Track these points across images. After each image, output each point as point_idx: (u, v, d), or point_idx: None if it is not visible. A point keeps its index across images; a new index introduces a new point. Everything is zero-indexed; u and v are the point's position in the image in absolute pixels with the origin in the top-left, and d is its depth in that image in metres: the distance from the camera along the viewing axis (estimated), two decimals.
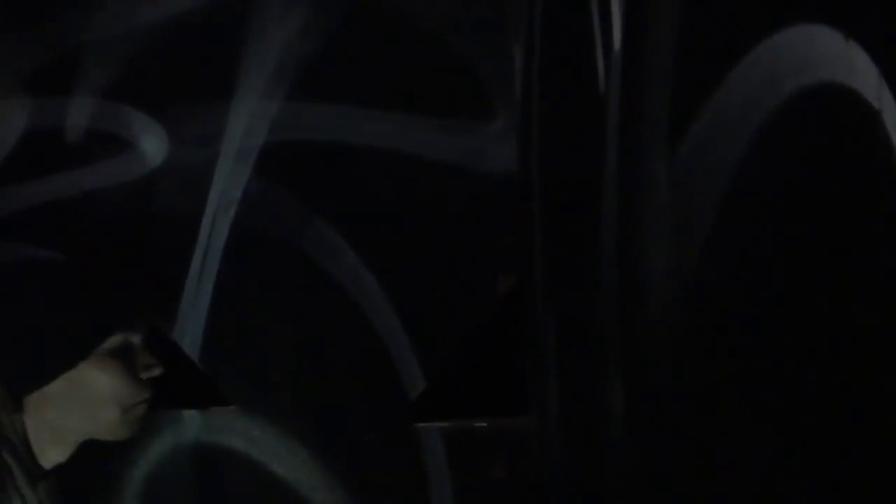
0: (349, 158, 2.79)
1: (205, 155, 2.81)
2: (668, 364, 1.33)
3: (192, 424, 2.81)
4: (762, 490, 1.16)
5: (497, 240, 2.68)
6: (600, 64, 1.57)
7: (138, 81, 2.80)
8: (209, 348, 2.79)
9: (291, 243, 2.80)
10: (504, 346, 2.25)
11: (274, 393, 2.79)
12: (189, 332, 2.80)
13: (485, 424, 2.51)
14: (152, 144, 2.82)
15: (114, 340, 2.04)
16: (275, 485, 2.79)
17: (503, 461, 2.70)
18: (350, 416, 2.78)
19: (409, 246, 2.78)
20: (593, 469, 1.53)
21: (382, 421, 2.73)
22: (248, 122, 2.80)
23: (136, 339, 2.06)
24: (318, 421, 2.78)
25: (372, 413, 2.76)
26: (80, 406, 2.07)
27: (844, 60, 1.09)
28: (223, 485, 2.82)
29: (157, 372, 2.08)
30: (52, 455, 2.10)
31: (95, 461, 2.80)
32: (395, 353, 2.77)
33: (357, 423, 2.77)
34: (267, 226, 2.81)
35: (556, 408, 1.73)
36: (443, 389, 2.38)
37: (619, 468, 1.43)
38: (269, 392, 2.79)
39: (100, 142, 2.81)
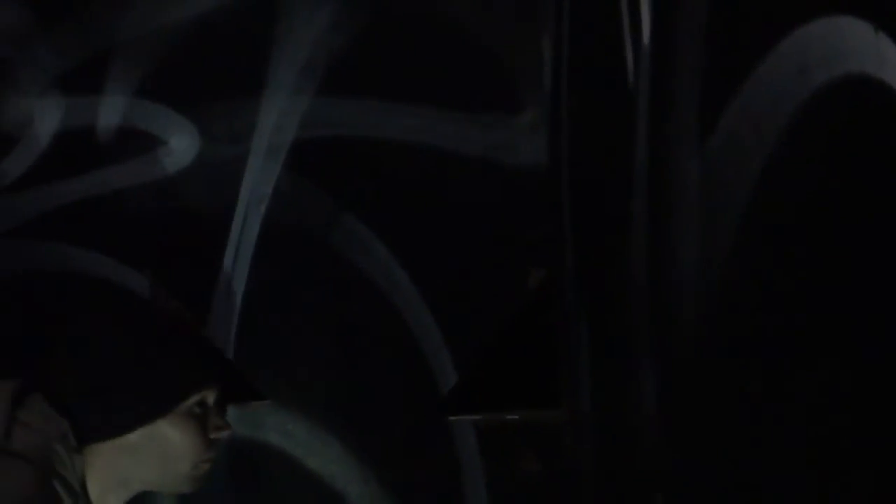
0: (379, 153, 2.80)
1: (235, 152, 2.83)
2: (699, 357, 1.33)
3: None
4: (793, 485, 1.16)
5: (527, 233, 2.69)
6: (629, 56, 1.57)
7: (169, 80, 2.82)
8: (242, 344, 2.81)
9: (322, 239, 2.81)
10: (535, 339, 2.25)
11: (307, 387, 2.80)
12: (222, 328, 2.81)
13: (517, 417, 2.51)
14: (183, 142, 2.83)
15: (192, 399, 2.10)
16: (309, 478, 2.80)
17: (535, 453, 2.70)
18: (383, 409, 2.79)
19: (439, 240, 2.78)
20: (625, 461, 1.53)
21: (415, 414, 2.74)
22: (278, 119, 2.81)
23: (210, 398, 2.12)
24: (351, 415, 2.79)
25: (405, 406, 2.77)
26: (154, 460, 2.12)
27: (874, 52, 1.09)
28: (258, 479, 2.83)
29: (226, 433, 2.15)
30: (111, 501, 2.14)
31: None
32: (426, 347, 2.77)
33: (390, 416, 2.78)
34: (298, 221, 2.82)
35: (588, 400, 1.74)
36: (474, 383, 2.39)
37: (651, 460, 1.43)
38: (302, 387, 2.80)
39: (131, 140, 2.83)
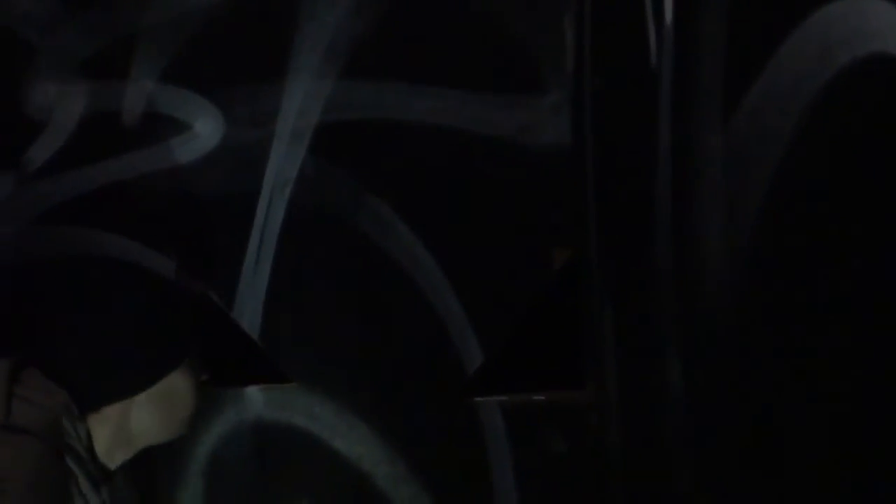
0: (403, 136, 2.80)
1: (260, 135, 2.83)
2: (725, 337, 1.33)
3: (253, 402, 2.84)
4: (822, 468, 1.16)
5: (551, 214, 2.68)
6: (651, 36, 1.57)
7: (193, 65, 2.82)
8: (268, 327, 2.82)
9: (347, 221, 2.81)
10: (561, 319, 2.25)
11: (333, 369, 2.81)
12: (248, 311, 2.82)
13: (542, 398, 2.52)
14: (208, 126, 2.84)
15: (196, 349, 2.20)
16: (337, 460, 2.81)
17: (562, 434, 2.71)
18: (409, 391, 2.79)
19: (464, 221, 2.78)
20: (652, 442, 1.53)
21: (441, 395, 2.74)
22: (302, 102, 2.81)
23: (195, 343, 2.22)
24: (377, 396, 2.80)
25: (431, 388, 2.77)
26: (162, 412, 2.20)
27: None
28: (286, 461, 2.85)
29: (206, 377, 2.23)
30: (119, 457, 2.21)
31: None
32: (452, 329, 2.78)
33: (416, 398, 2.79)
34: (323, 205, 2.82)
35: (614, 381, 1.74)
36: (500, 364, 2.39)
37: (677, 440, 1.43)
38: (328, 369, 2.81)
39: (157, 125, 2.84)
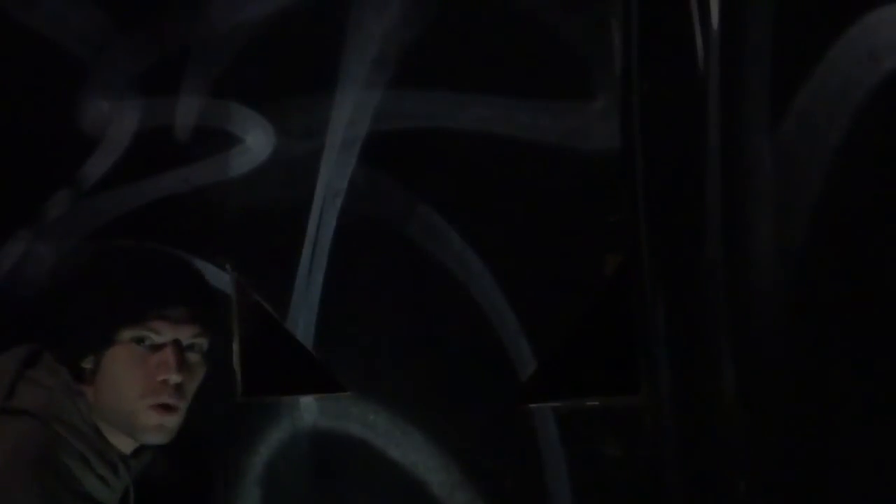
0: (452, 144, 2.81)
1: (310, 147, 2.85)
2: (777, 341, 1.33)
3: (309, 411, 2.86)
4: (875, 471, 1.16)
5: (602, 219, 2.68)
6: (699, 41, 1.57)
7: (243, 78, 2.85)
8: (323, 336, 2.83)
9: (398, 230, 2.82)
10: (613, 324, 2.25)
11: (387, 378, 2.82)
12: (302, 322, 2.84)
13: (597, 403, 2.52)
14: (259, 139, 2.86)
15: (125, 335, 2.08)
16: (392, 468, 2.82)
17: (616, 439, 2.70)
18: (463, 398, 2.80)
19: (514, 228, 2.79)
20: (706, 447, 1.53)
21: (495, 402, 2.75)
22: (351, 113, 2.83)
23: (158, 338, 2.10)
24: (432, 404, 2.81)
25: (484, 395, 2.78)
26: (108, 396, 2.09)
27: None
28: (341, 469, 2.86)
29: (173, 377, 2.08)
30: (123, 443, 2.13)
31: (217, 449, 2.86)
32: (504, 335, 2.78)
33: (470, 405, 2.79)
34: (374, 214, 2.84)
35: (668, 385, 1.74)
36: (553, 369, 2.39)
37: (733, 446, 1.43)
38: (382, 377, 2.82)
39: (208, 138, 2.87)
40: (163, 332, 2.11)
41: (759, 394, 1.37)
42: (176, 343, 2.11)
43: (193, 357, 2.16)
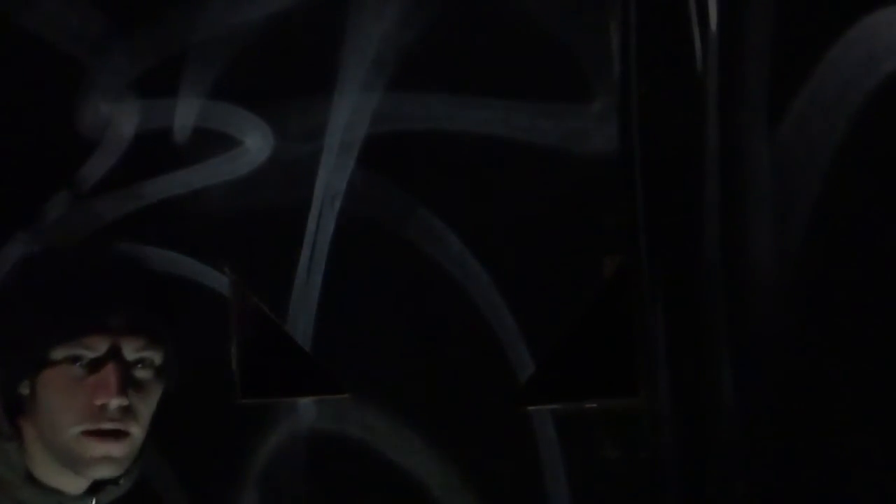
0: (450, 146, 2.81)
1: (309, 149, 2.85)
2: (775, 342, 1.33)
3: (307, 414, 2.86)
4: (874, 471, 1.16)
5: (601, 221, 2.68)
6: (697, 43, 1.57)
7: (242, 80, 2.85)
8: (321, 338, 2.83)
9: (397, 232, 2.83)
10: (612, 326, 2.25)
11: (386, 381, 2.82)
12: (301, 324, 2.84)
13: (595, 406, 2.51)
14: (258, 141, 2.86)
15: (57, 356, 1.76)
16: (391, 471, 2.82)
17: (615, 442, 2.70)
18: (462, 400, 2.80)
19: (513, 230, 2.79)
20: (705, 449, 1.53)
21: (493, 404, 2.75)
22: (350, 115, 2.83)
23: (91, 354, 1.77)
24: (430, 407, 2.81)
25: (483, 397, 2.78)
26: (44, 429, 1.78)
27: None
28: (339, 471, 2.86)
29: (113, 401, 1.75)
30: (69, 483, 1.81)
31: (215, 451, 2.86)
32: (503, 337, 2.78)
33: (469, 407, 2.79)
34: (372, 216, 2.84)
35: (667, 388, 1.74)
36: (552, 372, 2.39)
37: (731, 448, 1.43)
38: (381, 380, 2.82)
39: (207, 141, 2.87)
40: (99, 348, 1.78)
41: (758, 395, 1.37)
42: (117, 359, 1.78)
43: (142, 374, 1.81)
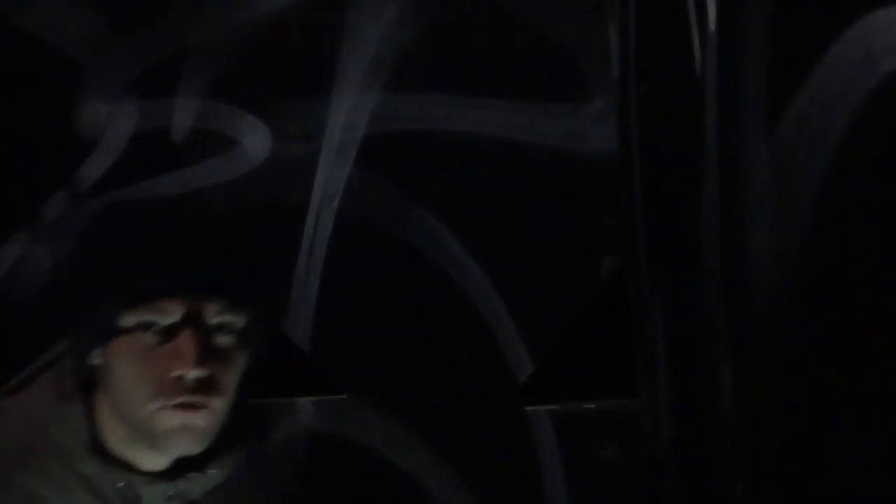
0: (449, 146, 2.81)
1: (307, 149, 2.85)
2: (775, 343, 1.33)
3: (306, 414, 2.86)
4: (874, 472, 1.16)
5: (599, 221, 2.69)
6: (696, 43, 1.57)
7: (240, 80, 2.85)
8: (320, 338, 2.83)
9: (395, 233, 2.83)
10: (610, 326, 2.25)
11: (385, 381, 2.82)
12: (299, 324, 2.84)
13: (593, 406, 2.52)
14: (256, 141, 2.86)
15: (130, 323, 1.64)
16: (390, 471, 2.82)
17: (613, 442, 2.70)
18: (460, 400, 2.80)
19: (511, 231, 2.79)
20: (704, 450, 1.53)
21: (492, 405, 2.75)
22: (348, 116, 2.83)
23: (166, 319, 1.65)
24: (429, 407, 2.81)
25: (481, 397, 2.78)
26: (114, 401, 1.63)
27: None
28: (339, 472, 2.86)
29: (191, 372, 1.60)
30: (143, 456, 1.64)
31: None
32: (501, 338, 2.78)
33: (467, 407, 2.79)
34: (370, 216, 2.84)
35: (665, 388, 1.74)
36: (550, 372, 2.39)
37: (730, 449, 1.43)
38: (380, 380, 2.82)
39: (205, 141, 2.87)
40: (174, 312, 1.62)
41: (757, 396, 1.37)
42: (195, 325, 1.62)
43: (225, 340, 1.66)
